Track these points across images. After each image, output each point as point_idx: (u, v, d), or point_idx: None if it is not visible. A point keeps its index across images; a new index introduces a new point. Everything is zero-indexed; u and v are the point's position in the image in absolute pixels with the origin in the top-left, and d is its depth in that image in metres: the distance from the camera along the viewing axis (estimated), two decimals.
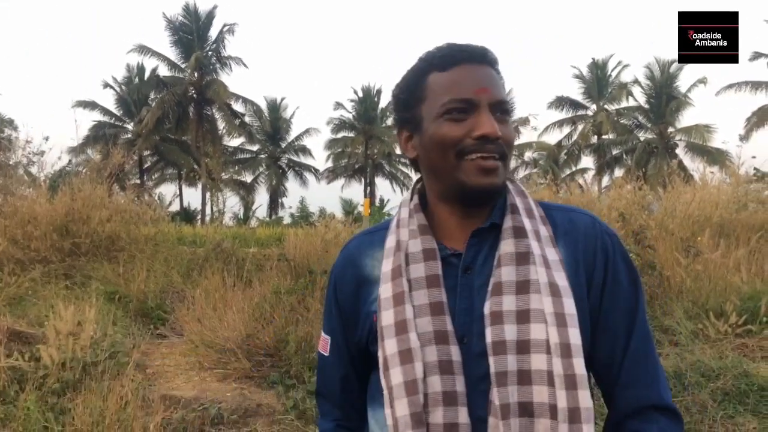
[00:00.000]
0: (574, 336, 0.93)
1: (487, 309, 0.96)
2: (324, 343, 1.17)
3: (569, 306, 0.95)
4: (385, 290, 1.02)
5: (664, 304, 5.64)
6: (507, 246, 0.99)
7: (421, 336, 0.97)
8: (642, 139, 34.52)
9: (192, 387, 4.58)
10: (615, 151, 35.50)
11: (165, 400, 4.04)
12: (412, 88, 1.05)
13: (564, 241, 1.03)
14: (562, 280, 0.97)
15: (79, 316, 4.66)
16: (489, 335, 0.94)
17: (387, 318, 1.00)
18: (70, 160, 26.47)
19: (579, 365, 0.92)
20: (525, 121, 33.56)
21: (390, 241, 1.07)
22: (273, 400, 4.29)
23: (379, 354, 1.01)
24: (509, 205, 1.04)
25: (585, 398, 0.92)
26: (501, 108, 0.99)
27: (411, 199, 1.11)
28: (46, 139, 10.07)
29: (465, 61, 1.00)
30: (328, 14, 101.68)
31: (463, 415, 0.95)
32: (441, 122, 0.99)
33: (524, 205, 1.04)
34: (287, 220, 35.01)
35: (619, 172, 32.43)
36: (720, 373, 4.02)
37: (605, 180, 33.20)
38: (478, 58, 1.01)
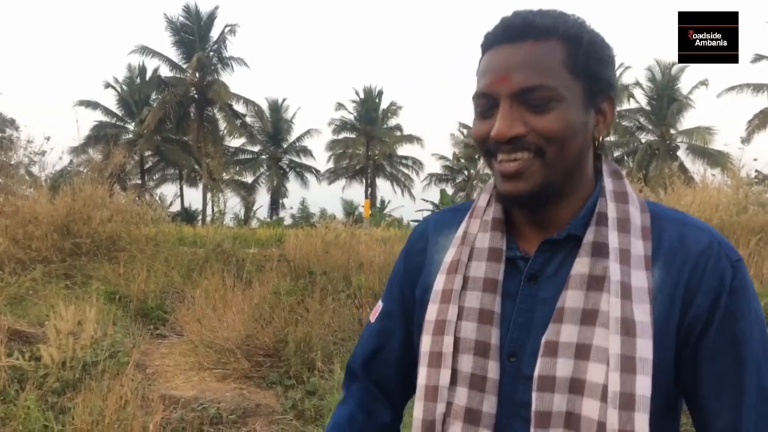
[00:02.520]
0: (643, 386, 0.76)
1: (544, 337, 0.82)
2: (375, 311, 1.09)
3: (643, 349, 0.77)
4: (438, 283, 0.93)
5: None
6: (581, 266, 0.83)
7: (462, 341, 0.88)
8: (643, 141, 34.54)
9: (191, 387, 4.59)
10: (617, 153, 35.50)
11: (164, 399, 4.05)
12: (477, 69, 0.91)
13: (664, 261, 0.83)
14: (642, 315, 0.78)
15: (80, 316, 4.68)
16: (538, 368, 0.81)
17: (431, 313, 0.92)
18: (71, 160, 26.58)
19: (641, 421, 0.75)
20: None
21: (460, 230, 0.96)
22: (272, 400, 4.30)
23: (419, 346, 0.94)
24: (596, 214, 0.86)
25: None
26: (530, 96, 0.80)
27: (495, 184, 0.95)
28: (48, 139, 10.09)
29: (499, 41, 0.83)
30: (330, 15, 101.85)
31: None
32: (475, 117, 0.87)
33: (618, 213, 0.85)
34: (288, 220, 35.01)
35: None
36: None
37: None
38: (513, 36, 0.82)
